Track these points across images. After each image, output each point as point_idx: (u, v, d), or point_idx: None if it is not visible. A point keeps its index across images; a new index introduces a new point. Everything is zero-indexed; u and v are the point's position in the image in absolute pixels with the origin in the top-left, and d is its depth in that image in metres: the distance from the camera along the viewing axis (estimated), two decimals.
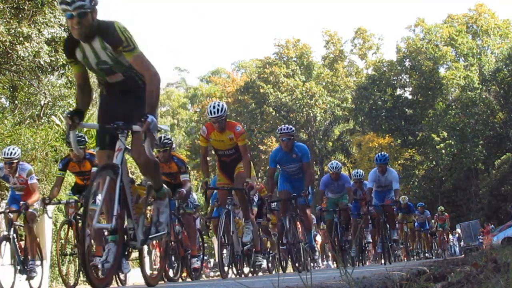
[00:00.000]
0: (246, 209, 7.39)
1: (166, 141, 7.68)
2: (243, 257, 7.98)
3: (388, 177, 10.27)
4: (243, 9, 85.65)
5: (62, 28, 14.97)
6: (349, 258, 10.52)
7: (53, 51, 14.59)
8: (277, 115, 43.91)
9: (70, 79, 17.76)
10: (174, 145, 8.31)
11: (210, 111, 6.96)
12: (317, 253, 13.55)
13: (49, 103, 17.26)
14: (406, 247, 14.89)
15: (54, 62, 14.74)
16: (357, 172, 11.53)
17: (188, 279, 8.40)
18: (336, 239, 9.97)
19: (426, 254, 17.07)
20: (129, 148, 4.06)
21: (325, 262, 16.61)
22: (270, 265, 10.85)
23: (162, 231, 4.45)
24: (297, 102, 42.65)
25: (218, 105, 6.98)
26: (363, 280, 2.88)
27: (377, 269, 4.76)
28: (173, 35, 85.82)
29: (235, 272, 8.08)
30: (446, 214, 19.81)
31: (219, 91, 48.01)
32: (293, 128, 8.21)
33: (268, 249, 10.52)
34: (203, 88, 55.22)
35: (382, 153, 10.76)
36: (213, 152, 7.77)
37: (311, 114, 43.07)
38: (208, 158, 7.93)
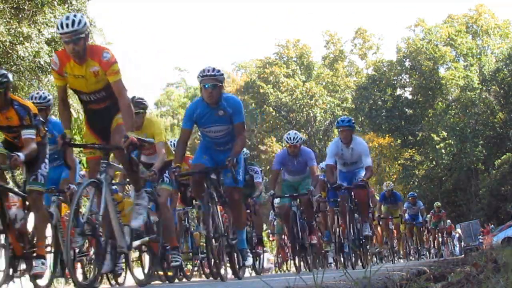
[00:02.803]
0: (135, 180, 5.11)
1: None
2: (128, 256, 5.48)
3: (355, 149, 7.54)
4: (243, 9, 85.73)
5: None
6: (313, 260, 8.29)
7: (53, 51, 14.60)
8: (277, 115, 43.88)
9: None
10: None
11: (61, 23, 4.42)
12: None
13: None
14: (391, 248, 13.38)
15: None
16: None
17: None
18: (295, 235, 7.60)
19: (423, 253, 14.98)
20: None
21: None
22: (206, 269, 8.38)
23: None
24: (297, 102, 42.62)
25: (75, 16, 4.47)
26: (363, 280, 2.88)
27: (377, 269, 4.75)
28: (173, 35, 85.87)
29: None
30: (443, 211, 17.78)
31: None
32: (222, 72, 5.49)
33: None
34: None
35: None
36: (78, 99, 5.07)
37: (311, 114, 43.04)
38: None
